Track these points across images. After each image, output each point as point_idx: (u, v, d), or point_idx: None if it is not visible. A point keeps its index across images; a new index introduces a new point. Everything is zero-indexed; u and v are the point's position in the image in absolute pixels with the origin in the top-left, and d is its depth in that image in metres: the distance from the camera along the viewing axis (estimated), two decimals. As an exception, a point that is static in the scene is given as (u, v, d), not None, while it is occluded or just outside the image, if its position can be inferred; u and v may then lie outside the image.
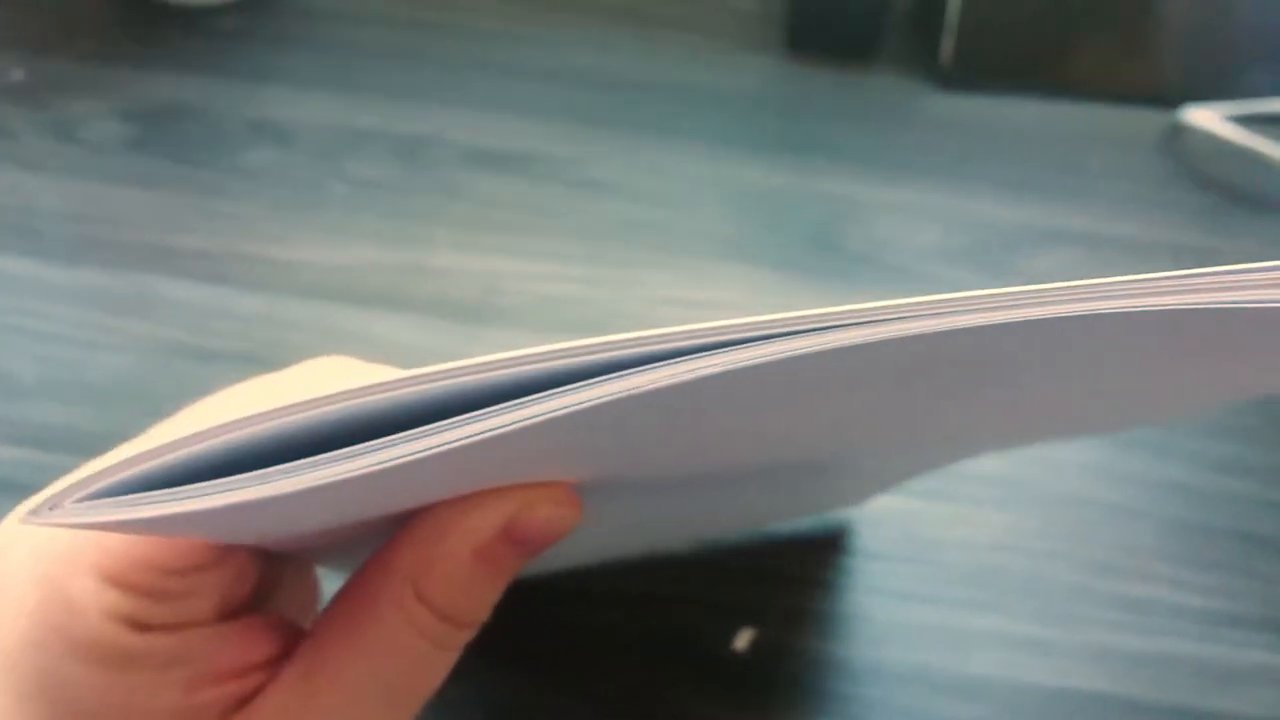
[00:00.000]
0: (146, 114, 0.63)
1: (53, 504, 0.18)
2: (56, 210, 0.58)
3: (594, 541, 0.37)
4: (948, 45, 0.67)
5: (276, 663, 0.26)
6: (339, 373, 0.28)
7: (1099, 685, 0.44)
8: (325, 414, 0.18)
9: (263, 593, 0.28)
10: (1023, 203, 0.62)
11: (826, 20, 0.68)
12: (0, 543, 0.25)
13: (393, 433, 0.19)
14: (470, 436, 0.18)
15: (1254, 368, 0.25)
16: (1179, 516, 0.49)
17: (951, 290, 0.17)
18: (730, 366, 0.18)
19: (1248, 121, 0.64)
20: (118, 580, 0.23)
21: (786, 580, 0.47)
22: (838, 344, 0.17)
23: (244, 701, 0.25)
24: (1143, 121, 0.66)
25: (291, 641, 0.26)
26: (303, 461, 0.18)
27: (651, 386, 0.18)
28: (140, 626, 0.24)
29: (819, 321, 0.18)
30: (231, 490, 0.18)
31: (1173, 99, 0.66)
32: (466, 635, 0.26)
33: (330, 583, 0.32)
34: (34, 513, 0.18)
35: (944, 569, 0.47)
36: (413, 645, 0.25)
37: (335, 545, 0.28)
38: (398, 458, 0.18)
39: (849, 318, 0.17)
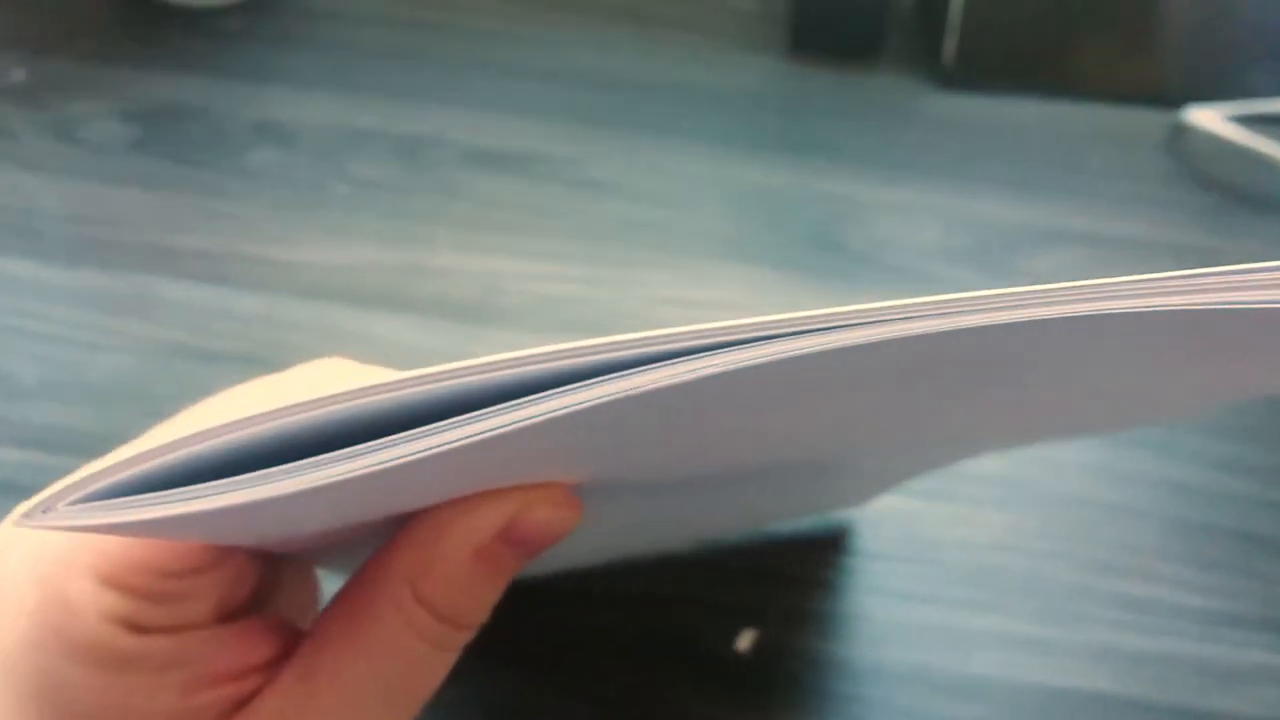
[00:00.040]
0: (147, 114, 0.63)
1: (46, 507, 0.18)
2: (57, 211, 0.58)
3: (594, 542, 0.37)
4: (949, 45, 0.67)
5: (275, 665, 0.26)
6: (338, 374, 0.28)
7: (1100, 685, 0.44)
8: (322, 415, 0.18)
9: (262, 595, 0.28)
10: (1024, 202, 0.61)
11: (828, 20, 0.68)
12: None
13: (392, 434, 0.19)
14: (470, 437, 0.18)
15: (1257, 367, 0.25)
16: (1180, 516, 0.49)
17: (953, 290, 0.17)
18: (729, 367, 0.18)
19: (1250, 122, 0.64)
20: (115, 582, 0.23)
21: (787, 580, 0.47)
22: (838, 345, 0.17)
23: (242, 703, 0.25)
24: (1144, 121, 0.66)
25: (290, 643, 0.26)
26: (300, 463, 0.18)
27: (651, 387, 0.18)
28: (137, 629, 0.24)
29: (820, 322, 0.17)
30: (226, 492, 0.18)
31: (1174, 99, 0.66)
32: (465, 636, 0.26)
33: (331, 584, 0.32)
34: (27, 515, 0.18)
35: (944, 569, 0.47)
36: (412, 646, 0.25)
37: (335, 547, 0.28)
38: (396, 458, 0.18)
39: (850, 318, 0.17)
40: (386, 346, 0.54)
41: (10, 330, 0.53)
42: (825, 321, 0.17)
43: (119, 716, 0.24)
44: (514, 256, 0.58)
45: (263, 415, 0.18)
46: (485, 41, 0.69)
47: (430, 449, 0.18)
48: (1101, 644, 0.45)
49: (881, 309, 0.17)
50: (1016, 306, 0.17)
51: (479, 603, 0.25)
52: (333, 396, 0.18)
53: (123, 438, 0.26)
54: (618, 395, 0.18)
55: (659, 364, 0.18)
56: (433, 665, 0.26)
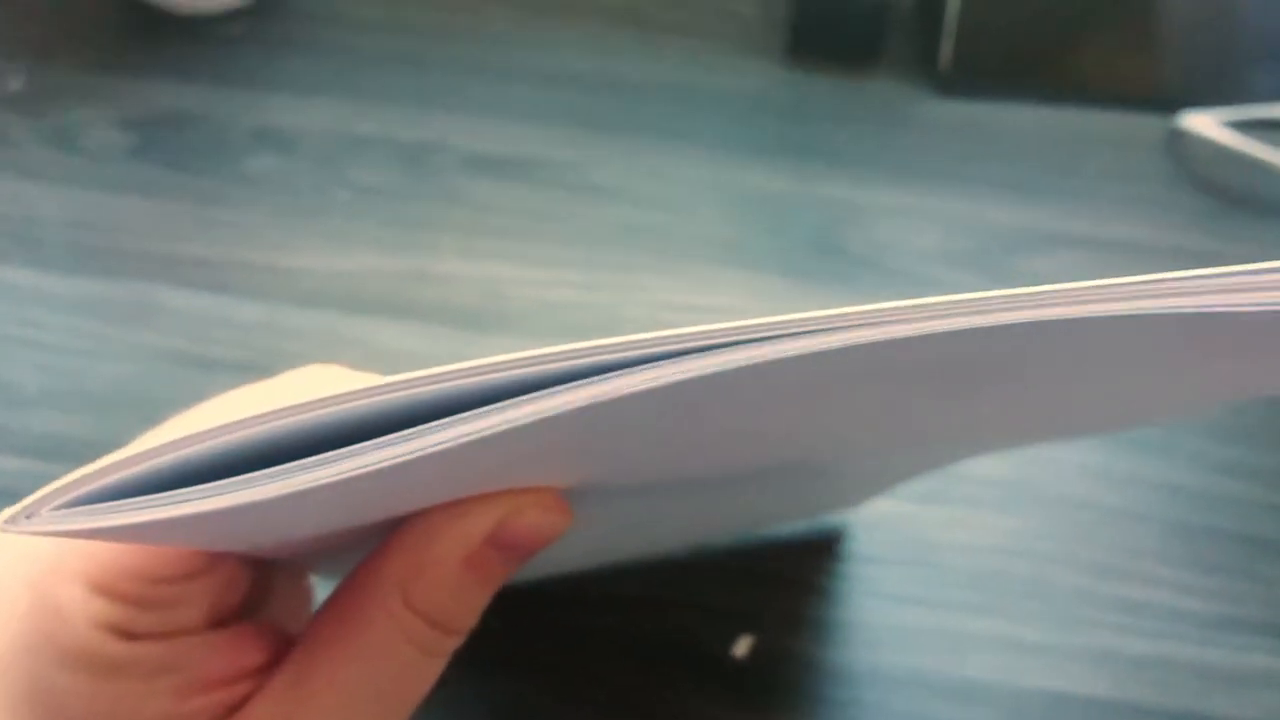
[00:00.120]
0: (147, 121, 0.63)
1: (30, 512, 0.18)
2: (57, 219, 0.58)
3: (588, 547, 0.37)
4: (946, 50, 0.67)
5: (266, 670, 0.26)
6: (328, 380, 0.28)
7: (1100, 689, 0.44)
8: (309, 420, 0.18)
9: (254, 601, 0.28)
10: (1023, 205, 0.61)
11: (827, 24, 0.68)
12: None
13: (379, 437, 0.19)
14: (456, 439, 0.18)
15: (1255, 367, 0.25)
16: (1181, 519, 0.49)
17: (953, 293, 0.17)
18: (715, 370, 0.17)
19: (1246, 126, 0.64)
20: (105, 589, 0.23)
21: (785, 584, 0.47)
22: (825, 347, 0.17)
23: (233, 709, 0.25)
24: (1141, 125, 0.66)
25: (281, 649, 0.26)
26: (285, 466, 0.18)
27: (635, 389, 0.18)
28: (128, 635, 0.24)
29: (809, 325, 0.17)
30: (211, 497, 0.18)
31: (1171, 102, 0.66)
32: (456, 641, 0.26)
33: (325, 590, 0.32)
34: (11, 520, 0.18)
35: (943, 572, 0.47)
36: (402, 651, 0.25)
37: (327, 552, 0.28)
38: (382, 461, 0.18)
39: (844, 321, 0.17)
40: (387, 353, 0.54)
41: (10, 339, 0.53)
42: (814, 325, 0.17)
43: None
44: (515, 262, 0.58)
45: (249, 420, 0.18)
46: (486, 46, 0.69)
47: (416, 452, 0.18)
48: (1102, 648, 0.45)
49: (874, 311, 0.17)
50: (1011, 309, 0.17)
51: (469, 608, 0.25)
52: (319, 401, 0.18)
53: (122, 446, 0.26)
54: (602, 398, 0.18)
55: (644, 366, 0.18)
56: (423, 670, 0.26)
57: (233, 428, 0.18)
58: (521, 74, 0.67)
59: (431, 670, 0.26)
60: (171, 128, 0.63)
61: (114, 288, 0.55)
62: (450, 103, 0.66)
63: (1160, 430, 0.52)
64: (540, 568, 0.32)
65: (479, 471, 0.22)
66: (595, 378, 0.18)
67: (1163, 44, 0.68)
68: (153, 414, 0.28)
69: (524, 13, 0.71)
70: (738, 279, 0.58)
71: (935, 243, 0.60)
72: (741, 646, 0.45)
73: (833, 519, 0.48)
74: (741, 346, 0.17)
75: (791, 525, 0.48)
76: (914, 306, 0.17)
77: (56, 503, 0.18)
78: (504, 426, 0.18)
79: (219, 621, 0.26)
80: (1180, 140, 0.65)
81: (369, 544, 0.25)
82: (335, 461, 0.18)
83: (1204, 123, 0.64)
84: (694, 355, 0.18)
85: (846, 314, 0.17)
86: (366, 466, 0.18)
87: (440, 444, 0.18)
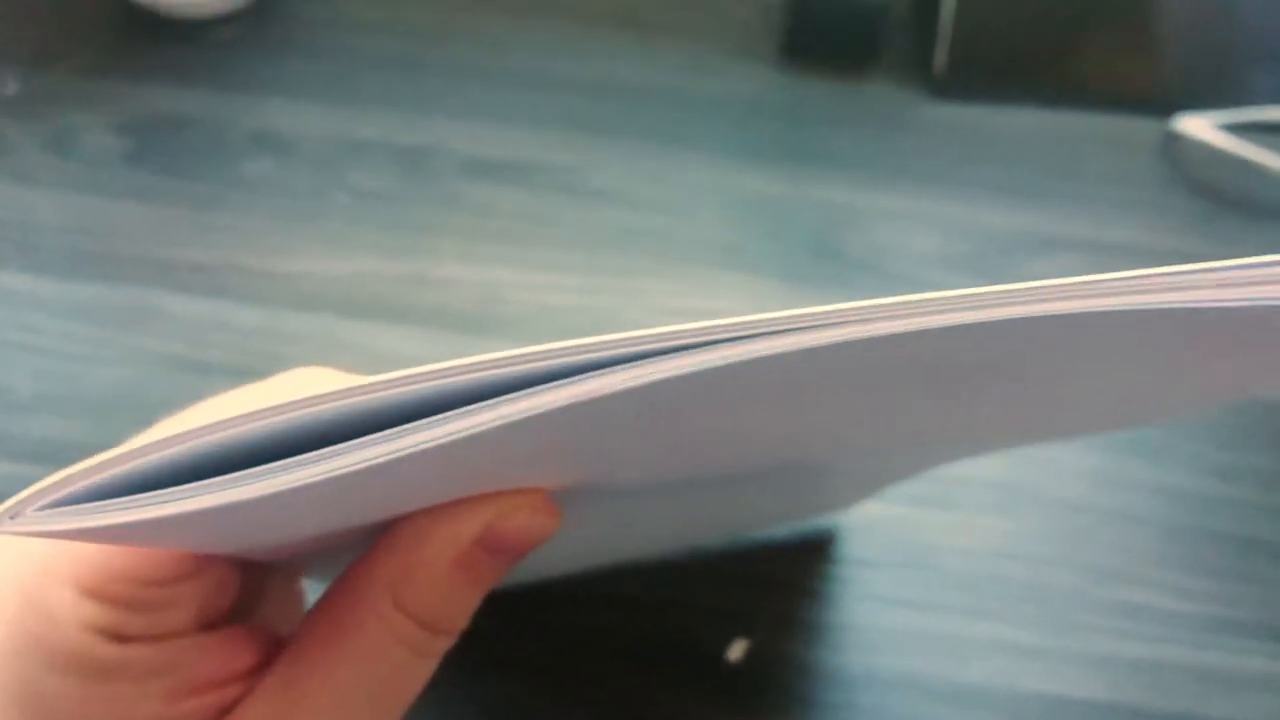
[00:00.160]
0: (144, 126, 0.63)
1: (14, 512, 0.18)
2: (53, 224, 0.58)
3: (579, 549, 0.37)
4: (941, 53, 0.67)
5: (257, 673, 0.26)
6: (318, 382, 0.28)
7: (1098, 693, 0.44)
8: (292, 420, 0.18)
9: (246, 604, 0.28)
10: (1020, 209, 0.61)
11: (823, 28, 0.68)
12: None
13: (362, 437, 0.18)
14: (439, 439, 0.18)
15: (1251, 365, 0.25)
16: (1178, 522, 0.49)
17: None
18: (697, 368, 0.17)
19: (1240, 129, 0.64)
20: (95, 592, 0.23)
21: (780, 587, 0.46)
22: (815, 344, 0.17)
23: (224, 711, 0.25)
24: (1137, 128, 0.66)
25: (272, 651, 0.26)
26: (270, 465, 0.18)
27: (622, 386, 0.18)
28: (118, 638, 0.24)
29: (798, 322, 0.17)
30: (193, 497, 0.18)
31: (1166, 105, 0.66)
32: (447, 642, 0.26)
33: (317, 594, 0.32)
34: None
35: (940, 575, 0.47)
36: (393, 653, 0.25)
37: (319, 555, 0.28)
38: (366, 460, 0.18)
39: (828, 319, 0.17)
40: (386, 358, 0.53)
41: (7, 343, 0.53)
42: (798, 323, 0.17)
43: None
44: (514, 266, 0.58)
45: (233, 420, 0.18)
46: (484, 50, 0.69)
47: (398, 451, 0.18)
48: (1100, 651, 0.45)
49: (856, 309, 0.17)
50: (993, 306, 0.17)
51: (459, 609, 0.25)
52: (303, 401, 0.18)
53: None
54: (583, 398, 0.18)
55: (625, 365, 0.18)
56: (414, 671, 0.26)
57: (217, 428, 0.18)
58: (520, 78, 0.67)
59: (423, 671, 0.26)
60: (169, 132, 0.63)
61: (111, 292, 0.55)
62: (449, 106, 0.66)
63: (1157, 433, 0.52)
64: (533, 570, 0.32)
65: (466, 473, 0.22)
66: (576, 377, 0.18)
67: (1158, 47, 0.68)
68: (149, 419, 0.28)
69: (522, 16, 0.71)
70: (737, 282, 0.58)
71: (933, 246, 0.60)
72: (736, 650, 0.44)
73: (824, 521, 0.48)
74: (722, 345, 0.17)
75: (784, 527, 0.48)
76: (897, 304, 0.17)
77: (40, 503, 0.18)
78: (484, 426, 0.18)
79: (210, 624, 0.26)
80: (1175, 143, 0.65)
81: (360, 547, 0.25)
82: (318, 461, 0.18)
83: (1199, 125, 0.64)
84: (675, 354, 0.17)
85: (830, 311, 0.17)
86: (349, 466, 0.18)
87: (422, 444, 0.18)
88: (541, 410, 0.18)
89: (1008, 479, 0.50)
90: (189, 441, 0.18)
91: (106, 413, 0.51)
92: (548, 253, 0.59)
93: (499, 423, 0.18)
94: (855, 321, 0.17)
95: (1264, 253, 0.17)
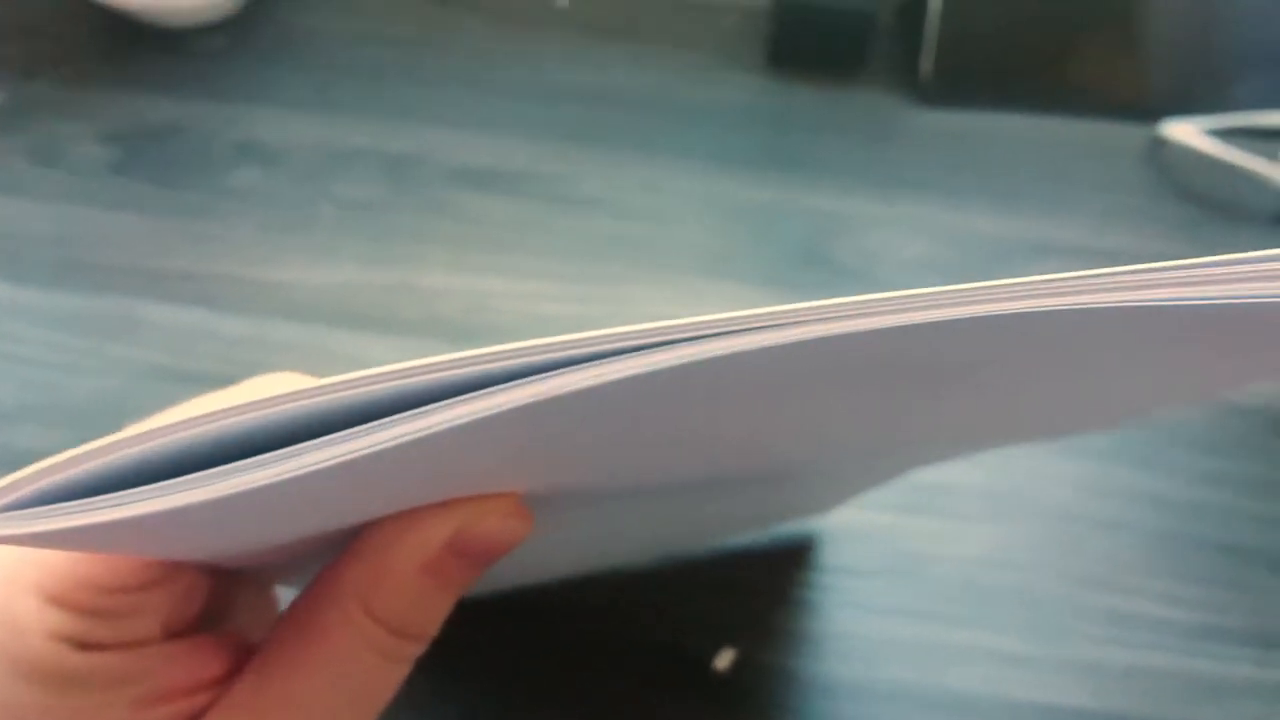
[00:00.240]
0: (129, 136, 0.63)
1: None
2: (39, 234, 0.58)
3: (556, 555, 0.36)
4: (927, 60, 0.67)
5: (226, 681, 0.25)
6: (286, 387, 0.28)
7: (1085, 700, 0.44)
8: (248, 422, 0.18)
9: (217, 611, 0.28)
10: (1008, 215, 0.61)
11: (810, 36, 0.68)
12: None
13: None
14: (399, 438, 0.18)
15: (1227, 364, 0.24)
16: (1165, 530, 0.49)
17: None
18: (648, 369, 0.17)
19: (1226, 134, 0.64)
20: (59, 600, 0.23)
21: (767, 596, 0.46)
22: (763, 344, 0.17)
23: (193, 719, 0.25)
24: (1123, 134, 0.66)
25: (242, 659, 0.26)
26: (223, 468, 0.18)
27: (584, 385, 0.17)
28: (84, 646, 0.23)
29: (762, 321, 0.17)
30: (144, 500, 0.18)
31: (1154, 110, 0.66)
32: (418, 648, 0.26)
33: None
34: None
35: (929, 584, 0.47)
36: (363, 659, 0.25)
37: (291, 563, 0.28)
38: (323, 461, 0.18)
39: (782, 318, 0.17)
40: (374, 367, 0.53)
41: (-10, 353, 0.53)
42: (755, 322, 0.17)
43: None
44: (502, 275, 0.58)
45: (189, 421, 0.18)
46: (470, 59, 0.69)
47: (358, 451, 0.18)
48: (1087, 659, 0.45)
49: (815, 308, 0.17)
50: (951, 305, 0.17)
51: (429, 615, 0.25)
52: (259, 402, 0.18)
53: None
54: (542, 396, 0.17)
55: (587, 364, 0.17)
56: (385, 677, 0.25)
57: (169, 430, 0.18)
58: (506, 87, 0.67)
59: (394, 676, 0.26)
60: (155, 141, 0.63)
61: (96, 302, 0.55)
62: (436, 115, 0.65)
63: (1144, 441, 0.51)
64: (507, 577, 0.31)
65: (433, 476, 0.22)
66: (533, 377, 0.18)
67: (1144, 52, 0.68)
68: (134, 429, 0.28)
69: (509, 25, 0.71)
70: (725, 290, 0.58)
71: (921, 253, 0.59)
72: (724, 659, 0.44)
73: (805, 527, 0.48)
74: (680, 345, 0.17)
75: (765, 534, 0.48)
76: (856, 303, 0.17)
77: None
78: (444, 425, 0.18)
79: (177, 632, 0.25)
80: (1162, 148, 0.65)
81: (332, 553, 0.25)
82: (274, 463, 0.18)
83: (1186, 131, 0.64)
84: (633, 354, 0.17)
85: (789, 311, 0.17)
86: (305, 468, 0.18)
87: (381, 444, 0.18)
88: (497, 410, 0.17)
89: (995, 487, 0.50)
90: (141, 444, 0.18)
91: (91, 423, 0.50)
92: (536, 261, 0.59)
93: (454, 423, 0.18)
94: (813, 321, 0.17)
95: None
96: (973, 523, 0.48)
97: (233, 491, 0.18)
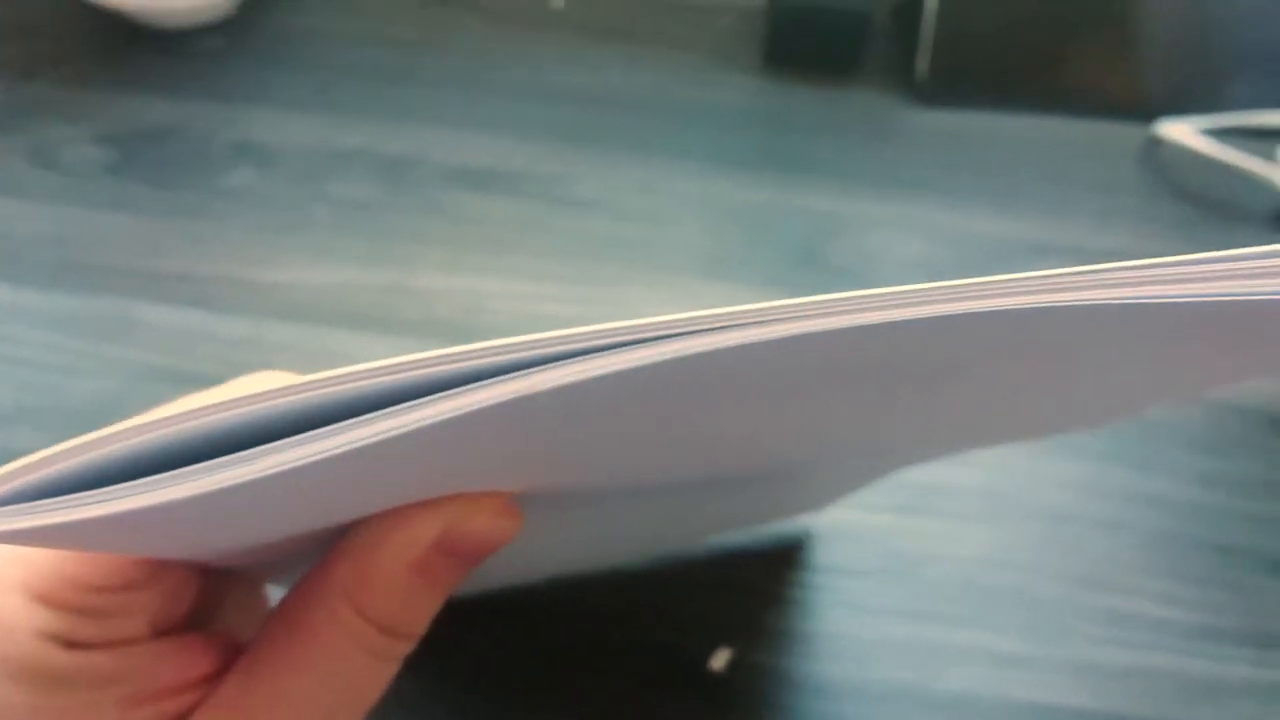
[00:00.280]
0: (126, 137, 0.63)
1: None
2: (35, 235, 0.58)
3: (547, 555, 0.36)
4: (923, 60, 0.67)
5: (214, 679, 0.25)
6: (272, 385, 0.28)
7: (1083, 701, 0.44)
8: (230, 419, 0.18)
9: (206, 610, 0.28)
10: (1005, 215, 0.61)
11: (805, 36, 0.68)
12: None
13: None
14: (379, 434, 0.18)
15: (1217, 360, 0.24)
16: (1162, 530, 0.49)
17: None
18: (637, 364, 0.17)
19: (1222, 134, 0.64)
20: (46, 598, 0.23)
21: (764, 597, 0.46)
22: (741, 341, 0.17)
23: (181, 718, 0.25)
24: (1119, 134, 0.66)
25: (231, 658, 0.26)
26: (203, 465, 0.18)
27: (566, 380, 0.17)
28: (72, 645, 0.23)
29: (750, 317, 0.17)
30: (123, 497, 0.18)
31: (1149, 110, 0.66)
32: (406, 647, 0.26)
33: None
34: None
35: (926, 584, 0.47)
36: (351, 658, 0.24)
37: (279, 561, 0.28)
38: (305, 457, 0.18)
39: (759, 316, 0.17)
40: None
41: (-14, 354, 0.53)
42: (749, 318, 0.17)
43: None
44: (498, 276, 0.58)
45: (169, 419, 0.18)
46: (468, 60, 0.69)
47: (339, 448, 0.18)
48: (1084, 659, 0.45)
49: (808, 304, 0.17)
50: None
51: (418, 614, 0.25)
52: (239, 400, 0.18)
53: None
54: (525, 392, 0.17)
55: (571, 360, 0.17)
56: (374, 675, 0.25)
57: (152, 426, 0.18)
58: (502, 87, 0.67)
59: (383, 675, 0.26)
60: (151, 143, 0.63)
61: (93, 303, 0.55)
62: (432, 116, 0.65)
63: (1141, 442, 0.51)
64: (500, 576, 0.31)
65: (420, 474, 0.21)
66: (520, 372, 0.17)
67: (1139, 53, 0.68)
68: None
69: (505, 26, 0.71)
70: (722, 291, 0.57)
71: (918, 253, 0.59)
72: (720, 659, 0.44)
73: (802, 528, 0.48)
74: (662, 341, 0.17)
75: (764, 535, 0.48)
76: (835, 300, 0.17)
77: None
78: (427, 421, 0.17)
79: (166, 630, 0.25)
80: (1158, 148, 0.65)
81: (319, 552, 0.25)
82: (258, 458, 0.18)
83: (1181, 130, 0.64)
84: (621, 349, 0.17)
85: (770, 308, 0.17)
86: (288, 463, 0.18)
87: (363, 439, 0.18)
88: (479, 406, 0.17)
89: (992, 487, 0.49)
90: (124, 441, 0.18)
91: (89, 424, 0.50)
92: (532, 262, 0.59)
93: (436, 419, 0.17)
94: (803, 317, 0.17)
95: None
96: (971, 523, 0.48)
97: (216, 487, 0.18)
